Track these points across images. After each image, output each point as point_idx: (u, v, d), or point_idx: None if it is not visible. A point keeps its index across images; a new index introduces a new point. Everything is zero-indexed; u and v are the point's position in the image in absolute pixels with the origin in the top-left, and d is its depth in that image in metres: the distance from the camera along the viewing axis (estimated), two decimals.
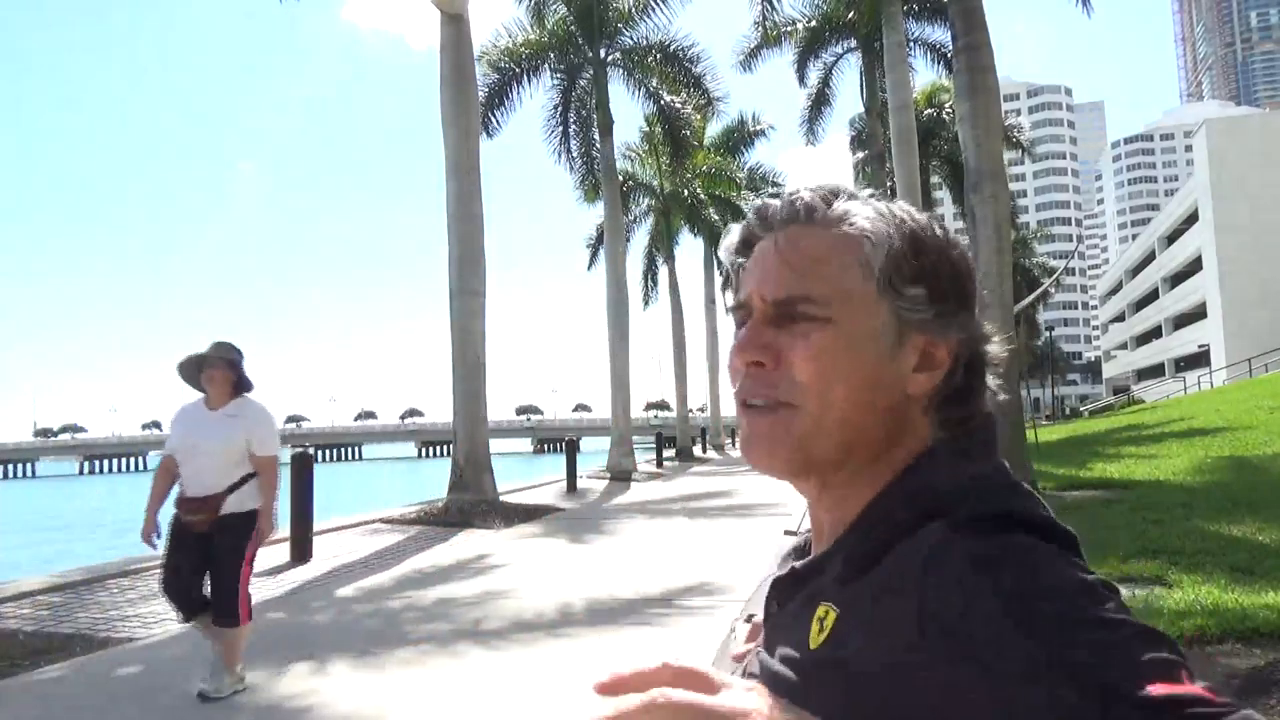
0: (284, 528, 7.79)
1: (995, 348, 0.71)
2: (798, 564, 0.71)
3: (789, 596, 0.69)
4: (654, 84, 19.61)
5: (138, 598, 5.90)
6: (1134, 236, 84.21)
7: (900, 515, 0.62)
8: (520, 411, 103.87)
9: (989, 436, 0.69)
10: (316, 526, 7.91)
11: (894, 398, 0.67)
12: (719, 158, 27.81)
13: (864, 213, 0.68)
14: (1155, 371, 59.51)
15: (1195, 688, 0.47)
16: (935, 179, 29.07)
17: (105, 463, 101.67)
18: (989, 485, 0.63)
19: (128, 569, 6.83)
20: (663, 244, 28.92)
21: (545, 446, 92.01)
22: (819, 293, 0.66)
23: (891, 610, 0.55)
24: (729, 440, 37.36)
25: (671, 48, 19.07)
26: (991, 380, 0.70)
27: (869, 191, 0.72)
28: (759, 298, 0.69)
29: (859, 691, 0.55)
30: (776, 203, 0.71)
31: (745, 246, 0.74)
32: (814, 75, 22.79)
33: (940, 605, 0.53)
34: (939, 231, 0.70)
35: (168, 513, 3.92)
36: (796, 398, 0.65)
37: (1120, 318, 71.90)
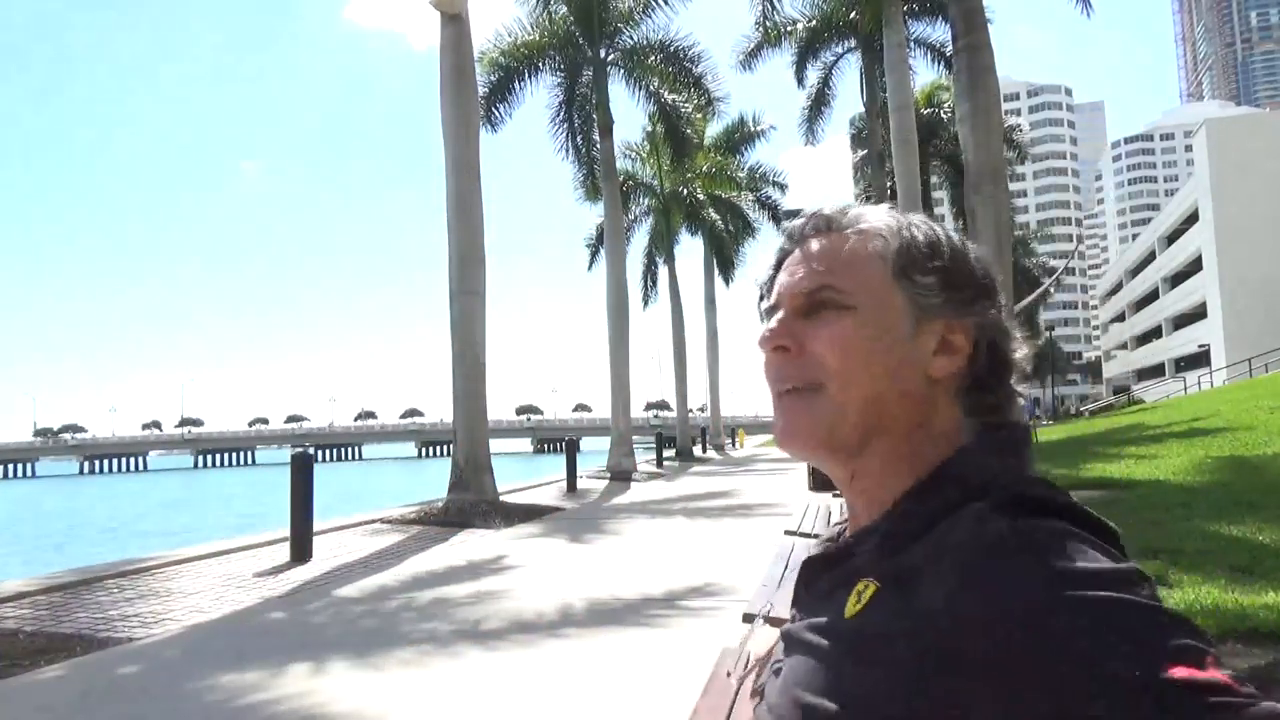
0: (284, 527, 7.79)
1: (1021, 350, 0.75)
2: (828, 546, 0.76)
3: (818, 576, 0.74)
4: (654, 84, 19.58)
5: (137, 597, 5.89)
6: (1134, 236, 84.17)
7: (941, 497, 0.66)
8: (520, 411, 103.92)
9: (1023, 439, 0.73)
10: (316, 526, 7.90)
11: (916, 381, 0.71)
12: (719, 157, 27.84)
13: (876, 214, 0.77)
14: (1155, 371, 59.52)
15: (1220, 675, 0.49)
16: (935, 179, 29.08)
17: (105, 463, 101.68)
18: (1027, 476, 0.67)
19: (125, 569, 6.82)
20: (663, 244, 28.90)
21: (545, 446, 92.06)
22: (841, 282, 0.73)
23: (930, 584, 0.58)
24: (729, 440, 37.36)
25: (672, 48, 19.03)
26: (1019, 385, 0.75)
27: (885, 206, 0.80)
28: (788, 295, 0.75)
29: (891, 656, 0.58)
30: (799, 221, 0.80)
31: (778, 267, 0.81)
32: (814, 75, 22.87)
33: (978, 583, 0.56)
34: (949, 233, 0.77)
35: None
36: (823, 377, 0.71)
37: (1120, 318, 71.90)
